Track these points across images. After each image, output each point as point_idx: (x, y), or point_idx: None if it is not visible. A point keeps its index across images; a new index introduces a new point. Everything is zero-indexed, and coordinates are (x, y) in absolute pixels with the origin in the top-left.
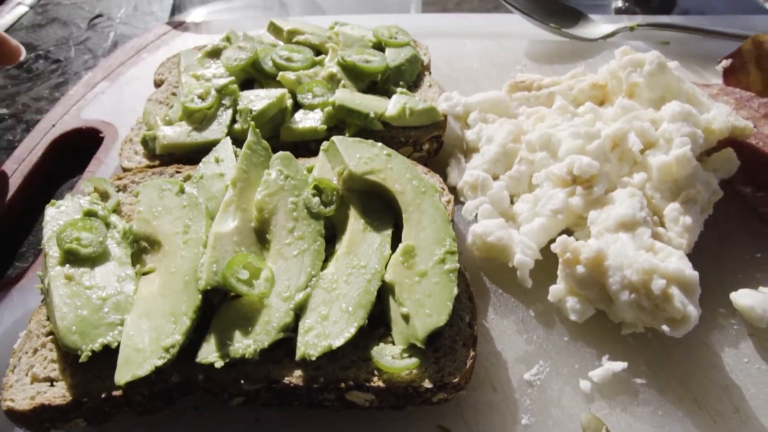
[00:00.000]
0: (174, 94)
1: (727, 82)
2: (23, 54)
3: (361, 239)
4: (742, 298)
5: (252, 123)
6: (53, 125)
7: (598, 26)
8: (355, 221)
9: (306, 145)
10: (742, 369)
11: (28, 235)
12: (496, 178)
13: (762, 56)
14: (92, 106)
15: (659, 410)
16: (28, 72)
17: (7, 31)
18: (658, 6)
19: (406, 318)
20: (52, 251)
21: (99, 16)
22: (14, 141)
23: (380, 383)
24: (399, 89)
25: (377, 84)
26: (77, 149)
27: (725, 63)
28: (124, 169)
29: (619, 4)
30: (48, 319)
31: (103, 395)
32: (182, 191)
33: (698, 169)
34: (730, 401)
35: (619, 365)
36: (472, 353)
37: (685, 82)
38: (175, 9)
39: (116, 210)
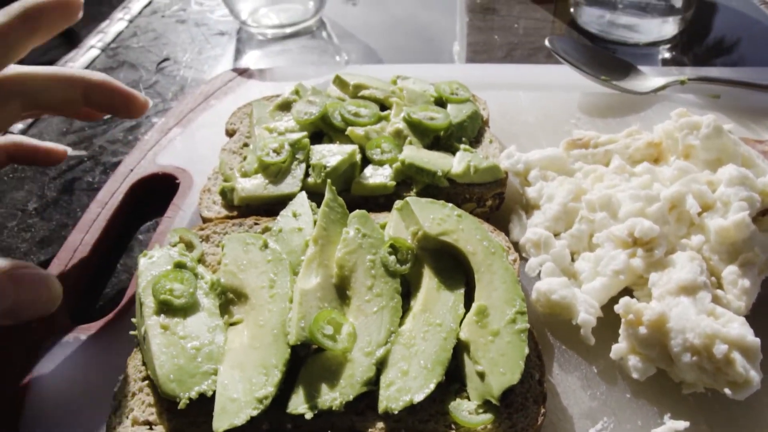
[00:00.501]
0: (246, 144)
1: None
2: (150, 104)
3: (436, 297)
4: None
5: (329, 181)
6: (131, 170)
7: (649, 79)
8: (429, 279)
9: (375, 199)
10: None
11: (110, 276)
12: (557, 235)
13: None
14: (166, 152)
15: None
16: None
17: None
18: (705, 55)
19: (481, 375)
20: (148, 301)
21: (166, 59)
22: (93, 183)
23: None
24: (462, 146)
25: (440, 139)
26: (153, 194)
27: None
28: (204, 219)
29: (666, 55)
30: (143, 364)
31: None
32: (266, 246)
33: (755, 232)
34: None
35: (682, 424)
36: (542, 410)
37: (741, 145)
38: (237, 53)
39: (201, 260)
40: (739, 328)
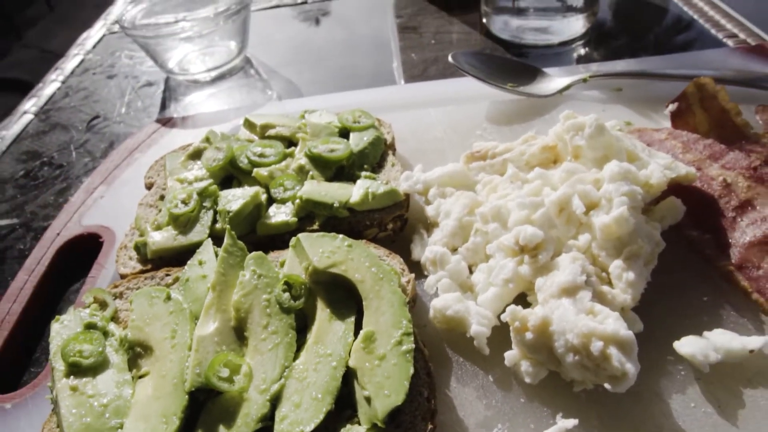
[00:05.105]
0: (162, 197)
1: (675, 125)
2: None
3: (328, 328)
4: (684, 346)
5: (227, 226)
6: (58, 233)
7: (554, 80)
8: (321, 311)
9: (281, 237)
10: (689, 414)
11: (40, 341)
12: (455, 250)
13: (705, 98)
14: (92, 212)
15: None
16: (34, 180)
17: (15, 140)
18: (616, 48)
19: (368, 400)
20: (58, 365)
21: (96, 117)
22: (25, 250)
23: None
24: (363, 173)
25: (344, 169)
26: (80, 255)
27: (672, 107)
28: (121, 276)
29: (581, 51)
30: (58, 426)
31: None
32: (169, 298)
33: (640, 224)
34: None
35: (571, 422)
36: (430, 426)
37: (624, 140)
38: (164, 102)
39: (114, 317)
40: (614, 324)
